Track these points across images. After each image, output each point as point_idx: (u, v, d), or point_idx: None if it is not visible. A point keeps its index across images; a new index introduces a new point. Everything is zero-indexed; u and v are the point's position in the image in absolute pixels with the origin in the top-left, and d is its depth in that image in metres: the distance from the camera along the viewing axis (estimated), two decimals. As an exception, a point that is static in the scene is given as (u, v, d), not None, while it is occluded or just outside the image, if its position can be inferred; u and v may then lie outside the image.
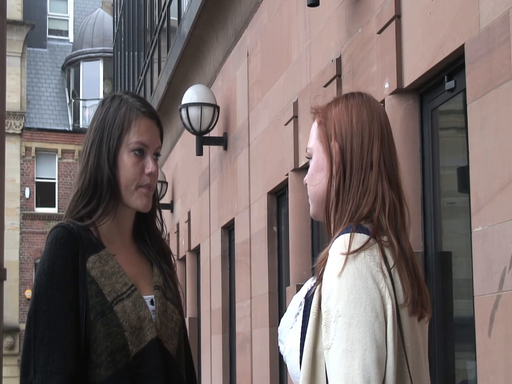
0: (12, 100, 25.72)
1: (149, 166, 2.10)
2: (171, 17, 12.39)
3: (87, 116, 27.88)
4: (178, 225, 12.40)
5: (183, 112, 8.96)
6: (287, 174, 6.56)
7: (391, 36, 4.46)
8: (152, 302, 2.08)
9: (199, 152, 9.11)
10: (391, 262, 1.71)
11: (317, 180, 1.84)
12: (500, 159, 3.44)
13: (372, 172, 1.78)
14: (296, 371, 1.77)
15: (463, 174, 3.97)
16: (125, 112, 2.10)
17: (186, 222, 11.62)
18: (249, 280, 7.97)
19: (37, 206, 27.07)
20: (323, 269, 1.72)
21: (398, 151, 1.87)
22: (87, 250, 2.02)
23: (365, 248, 1.69)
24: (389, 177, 1.80)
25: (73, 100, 28.34)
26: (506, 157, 3.39)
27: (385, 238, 1.74)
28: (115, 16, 21.87)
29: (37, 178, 27.21)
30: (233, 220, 8.81)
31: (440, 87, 4.21)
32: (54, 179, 27.38)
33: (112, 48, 23.32)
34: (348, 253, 1.67)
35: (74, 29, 30.51)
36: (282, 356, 1.90)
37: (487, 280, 3.49)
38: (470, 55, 3.69)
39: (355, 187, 1.78)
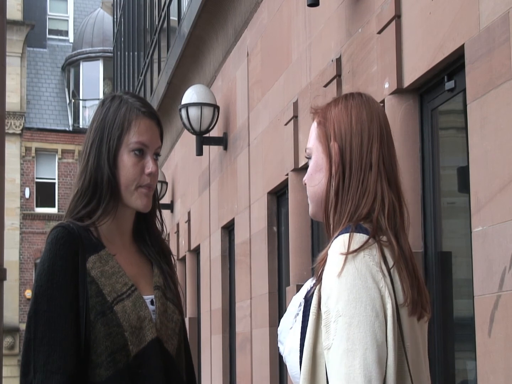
0: (12, 100, 25.72)
1: (149, 166, 2.10)
2: (171, 17, 12.38)
3: (87, 116, 27.86)
4: (178, 225, 12.40)
5: (183, 112, 8.96)
6: (287, 174, 6.56)
7: (391, 36, 4.46)
8: (152, 302, 2.08)
9: (199, 152, 9.10)
10: (390, 262, 1.72)
11: (316, 180, 1.84)
12: (500, 159, 3.44)
13: (372, 172, 1.78)
14: (296, 371, 1.77)
15: (463, 174, 3.97)
16: (125, 112, 2.10)
17: (186, 222, 11.62)
18: (249, 280, 7.96)
19: (37, 206, 27.06)
20: (323, 269, 1.72)
21: (398, 151, 1.87)
22: (87, 250, 2.02)
23: (365, 248, 1.69)
24: (388, 178, 1.80)
25: (73, 100, 28.32)
26: (506, 157, 3.39)
27: (384, 238, 1.74)
28: (115, 16, 21.88)
29: (37, 178, 27.19)
30: (233, 220, 8.81)
31: (440, 87, 4.21)
32: (54, 179, 27.37)
33: (112, 48, 23.31)
34: (347, 253, 1.68)
35: (74, 29, 30.50)
36: (282, 356, 1.90)
37: (487, 280, 3.49)
38: (470, 55, 3.69)
39: (354, 187, 1.78)
